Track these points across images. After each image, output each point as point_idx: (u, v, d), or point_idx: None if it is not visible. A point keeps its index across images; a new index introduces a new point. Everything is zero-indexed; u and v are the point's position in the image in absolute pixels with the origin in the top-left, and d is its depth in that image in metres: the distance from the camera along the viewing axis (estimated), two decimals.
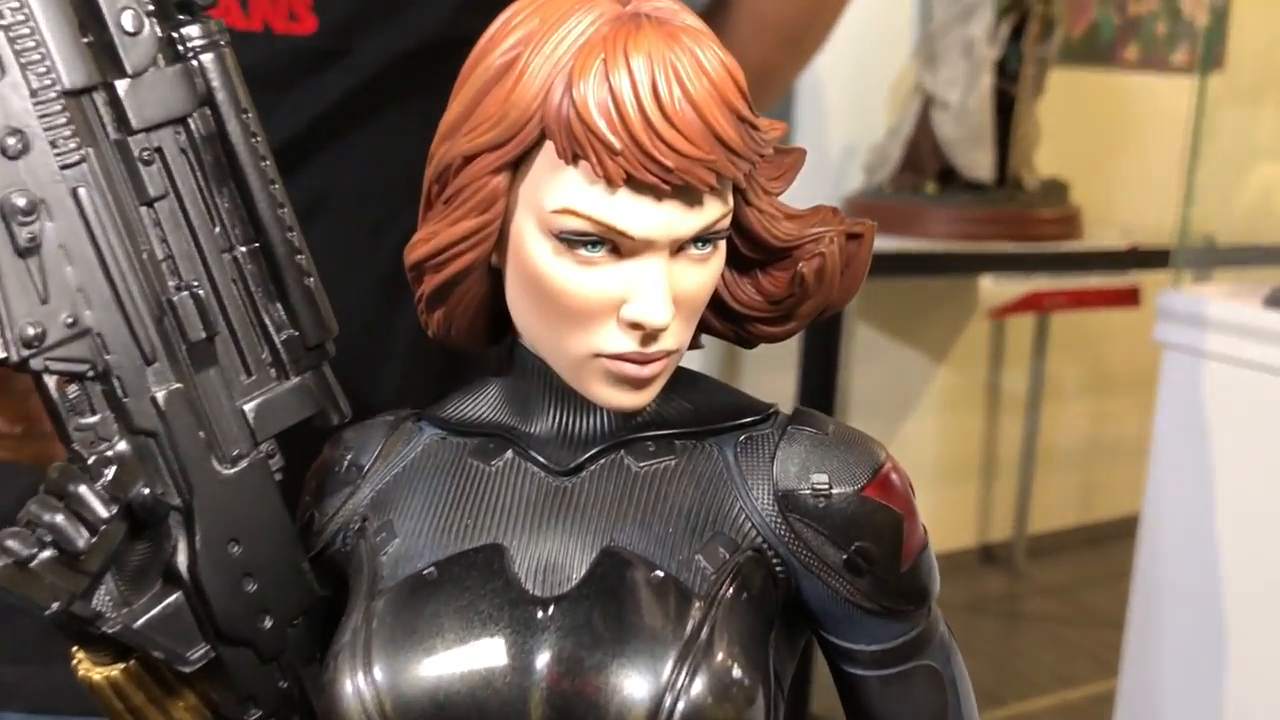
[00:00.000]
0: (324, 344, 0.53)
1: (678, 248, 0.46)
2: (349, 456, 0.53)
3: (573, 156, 0.44)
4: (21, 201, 0.44)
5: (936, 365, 2.96)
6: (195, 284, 0.49)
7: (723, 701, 0.43)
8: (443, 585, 0.46)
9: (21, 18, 0.45)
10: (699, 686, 0.43)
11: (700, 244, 0.46)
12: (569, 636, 0.44)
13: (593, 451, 0.49)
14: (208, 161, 0.50)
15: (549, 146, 0.44)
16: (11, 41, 0.45)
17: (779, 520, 0.47)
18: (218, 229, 0.50)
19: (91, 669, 0.49)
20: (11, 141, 0.44)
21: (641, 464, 0.48)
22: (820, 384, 2.17)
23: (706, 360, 2.31)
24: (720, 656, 0.43)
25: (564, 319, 0.46)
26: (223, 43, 0.50)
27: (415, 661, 0.44)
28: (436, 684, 0.44)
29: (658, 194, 0.44)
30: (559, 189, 0.44)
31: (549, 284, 0.46)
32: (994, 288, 2.67)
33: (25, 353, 0.45)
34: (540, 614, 0.45)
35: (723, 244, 0.48)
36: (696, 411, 0.50)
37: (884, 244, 2.42)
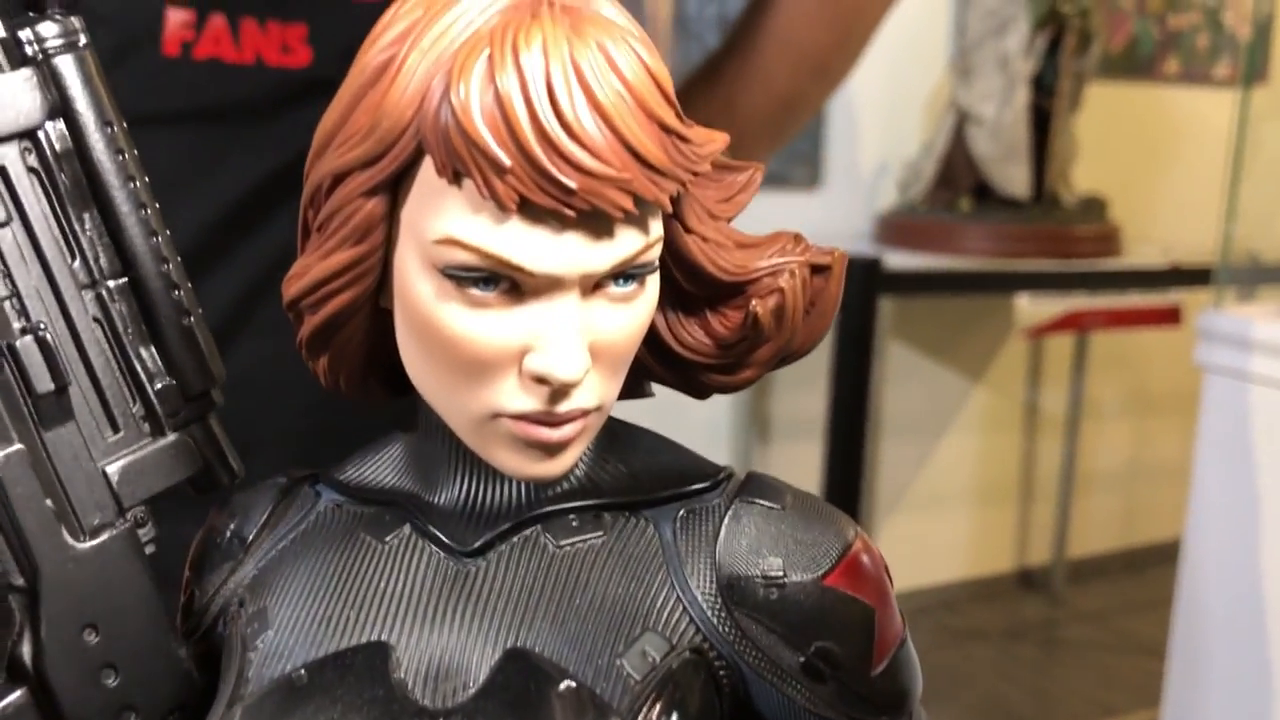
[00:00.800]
0: (208, 392, 0.46)
1: (593, 285, 0.38)
2: (232, 525, 0.46)
3: (454, 175, 0.36)
4: None
5: (972, 384, 2.91)
6: (43, 326, 0.42)
7: None
8: (312, 694, 0.38)
9: None
10: None
11: (621, 280, 0.38)
12: None
13: (503, 528, 0.41)
14: (64, 183, 0.43)
15: (429, 162, 0.37)
16: None
17: (723, 614, 0.39)
18: (76, 261, 0.43)
19: None
20: None
21: (561, 543, 0.40)
22: (852, 404, 2.12)
23: None
24: None
25: (457, 372, 0.38)
26: (81, 43, 0.43)
27: None
28: None
29: (560, 221, 0.36)
30: (441, 215, 0.37)
31: (436, 330, 0.38)
32: (1031, 306, 2.62)
33: None
34: None
35: (652, 279, 0.40)
36: (632, 477, 0.42)
37: (918, 261, 2.39)
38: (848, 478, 2.12)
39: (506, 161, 0.35)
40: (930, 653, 2.49)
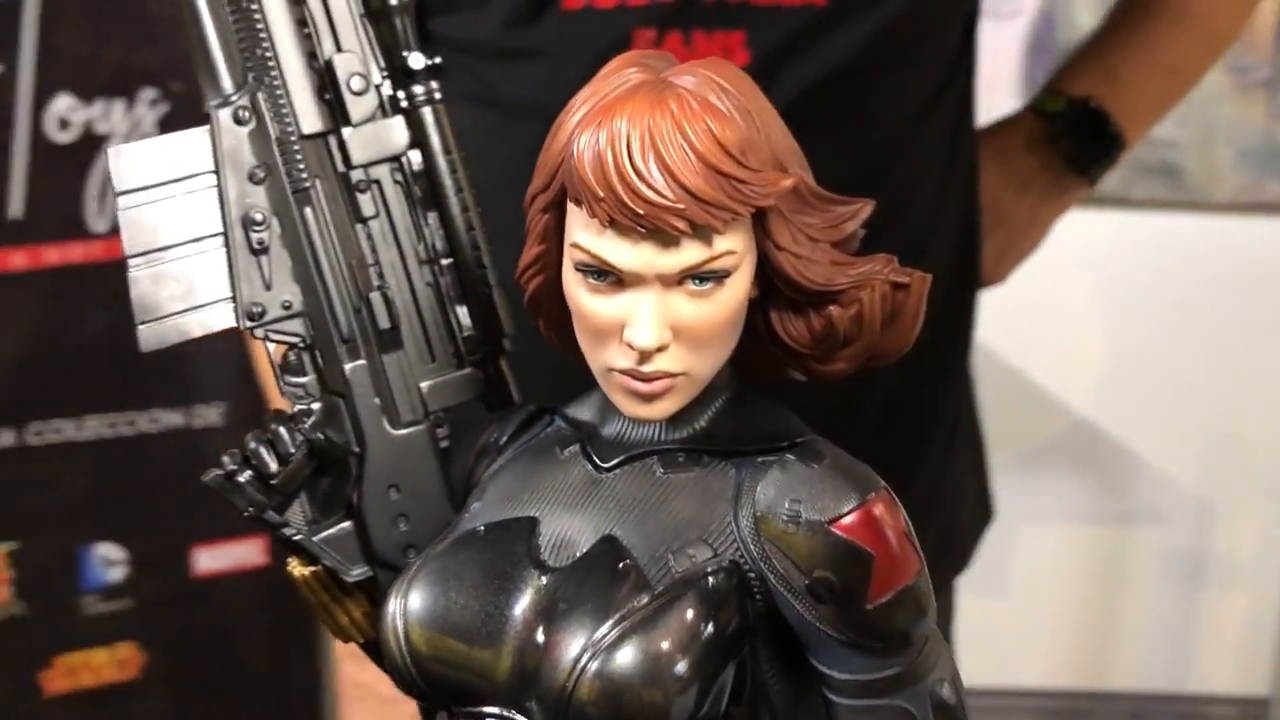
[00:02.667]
0: (499, 341, 0.65)
1: (676, 281, 0.52)
2: (496, 433, 0.63)
3: (577, 201, 0.52)
4: (258, 216, 0.60)
5: None
6: (390, 286, 0.63)
7: (650, 684, 0.49)
8: (484, 541, 0.55)
9: (278, 84, 0.61)
10: (625, 657, 0.49)
11: (697, 280, 0.52)
12: (545, 602, 0.52)
13: (630, 454, 0.55)
14: (417, 193, 0.64)
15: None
16: (268, 100, 0.61)
17: (756, 537, 0.51)
18: (420, 245, 0.64)
19: (294, 567, 0.63)
20: (259, 172, 0.61)
21: (665, 472, 0.54)
22: None
23: None
24: (661, 642, 0.49)
25: (588, 336, 0.54)
26: (437, 98, 0.64)
27: (434, 596, 0.54)
28: (444, 616, 0.53)
29: (638, 235, 0.50)
30: (573, 228, 0.53)
31: (575, 307, 0.54)
32: None
33: (249, 324, 0.60)
34: (540, 579, 0.53)
35: (732, 282, 0.52)
36: (735, 434, 0.55)
37: None
38: None
39: (600, 193, 0.50)
40: None
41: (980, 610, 1.40)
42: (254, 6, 0.60)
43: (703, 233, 0.51)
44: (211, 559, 1.63)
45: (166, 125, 1.53)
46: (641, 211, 0.50)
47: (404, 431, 0.63)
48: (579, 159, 0.51)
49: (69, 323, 1.54)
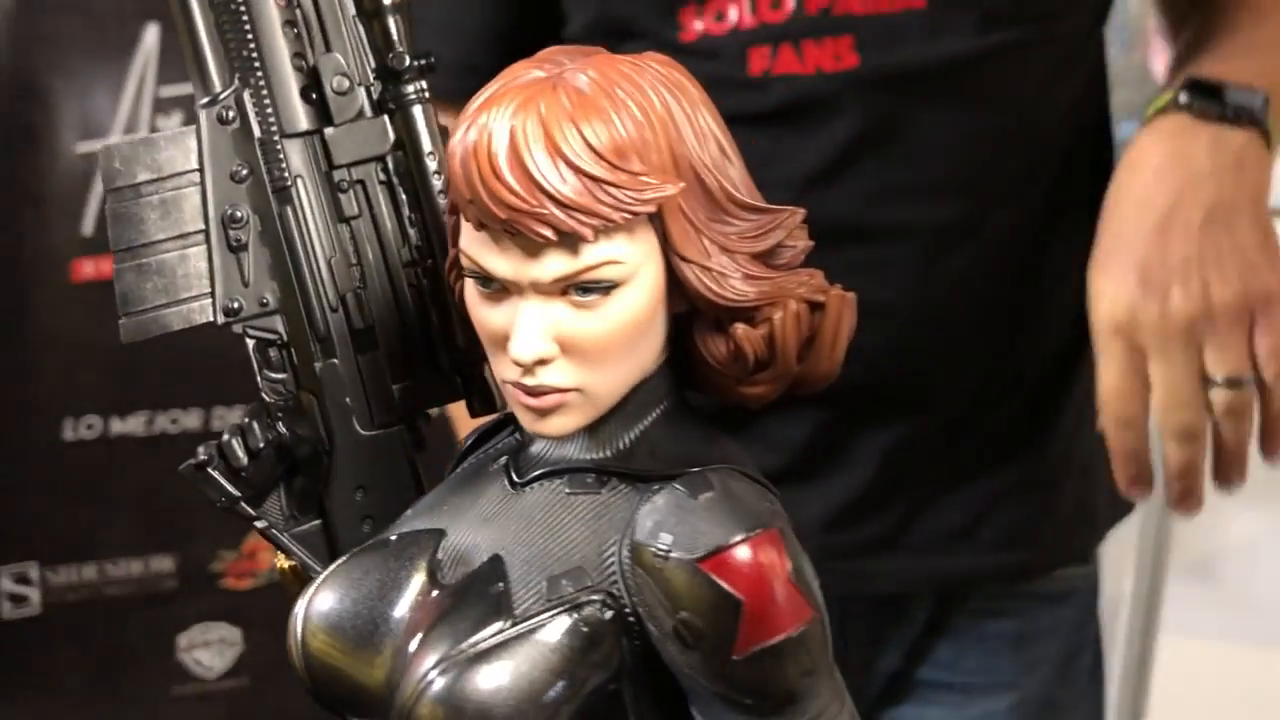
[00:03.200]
0: (472, 348, 0.63)
1: (558, 292, 0.49)
2: (468, 442, 0.62)
3: (452, 204, 0.51)
4: (238, 214, 0.61)
5: None
6: (369, 286, 0.63)
7: (485, 711, 0.47)
8: (391, 549, 0.55)
9: (263, 84, 0.62)
10: (468, 680, 0.47)
11: (580, 290, 0.49)
12: (426, 617, 0.51)
13: (539, 472, 0.53)
14: (401, 193, 0.64)
15: None
16: (253, 100, 0.62)
17: (630, 571, 0.48)
18: (406, 246, 0.64)
19: (278, 559, 0.64)
20: (241, 171, 0.62)
21: (571, 492, 0.52)
22: None
23: None
24: (508, 670, 0.47)
25: (486, 345, 0.53)
26: (426, 98, 0.64)
27: (335, 599, 0.53)
28: (338, 621, 0.52)
29: (509, 239, 0.48)
30: (462, 230, 0.52)
31: (471, 313, 0.53)
32: None
33: (225, 319, 0.62)
34: (431, 593, 0.52)
35: (622, 294, 0.50)
36: (651, 455, 0.52)
37: None
38: None
39: (468, 195, 0.49)
40: None
41: None
42: (241, 7, 0.61)
43: (569, 240, 0.48)
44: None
45: None
46: (502, 215, 0.47)
47: (375, 433, 0.63)
48: (452, 158, 0.49)
49: None
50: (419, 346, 0.64)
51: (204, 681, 1.69)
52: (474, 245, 0.50)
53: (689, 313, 0.53)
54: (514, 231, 0.48)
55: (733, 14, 0.91)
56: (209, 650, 1.69)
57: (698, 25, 0.92)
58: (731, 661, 0.46)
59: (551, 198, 0.47)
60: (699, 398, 0.56)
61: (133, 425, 1.63)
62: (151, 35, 1.58)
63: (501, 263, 0.49)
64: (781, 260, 0.53)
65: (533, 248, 0.48)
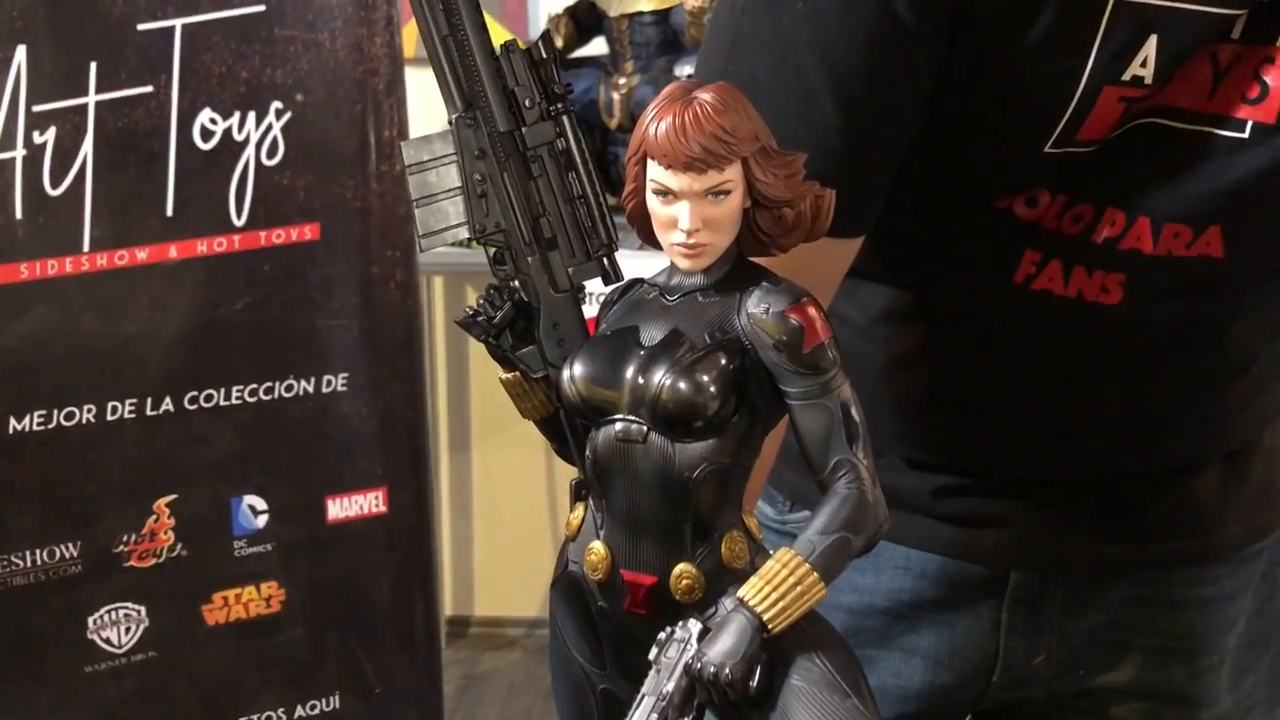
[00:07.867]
0: (611, 244, 0.97)
1: (703, 195, 0.83)
2: (613, 295, 0.95)
3: (651, 155, 0.84)
4: (477, 176, 0.92)
5: None
6: (550, 214, 0.98)
7: (697, 390, 0.82)
8: (610, 338, 0.89)
9: (485, 103, 0.96)
10: (685, 377, 0.83)
11: (714, 195, 0.84)
12: (642, 364, 0.85)
13: (684, 292, 0.88)
14: (564, 164, 0.98)
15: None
16: (482, 112, 0.96)
17: (749, 324, 0.85)
18: (565, 190, 0.98)
19: (501, 375, 0.95)
20: (479, 153, 0.93)
21: (703, 298, 0.87)
22: None
23: None
24: (703, 372, 0.83)
25: (660, 228, 0.86)
26: (572, 109, 0.98)
27: (586, 364, 0.87)
28: (591, 373, 0.86)
29: (679, 171, 0.83)
30: (651, 169, 0.84)
31: (652, 212, 0.85)
32: None
33: (477, 235, 0.95)
34: (640, 353, 0.86)
35: (731, 197, 0.84)
36: (739, 278, 0.87)
37: None
38: None
39: (666, 150, 0.84)
40: None
41: None
42: (471, 60, 0.96)
43: (715, 169, 0.86)
44: (339, 508, 1.93)
45: (289, 132, 1.80)
46: (685, 158, 0.85)
47: (560, 295, 0.98)
48: (653, 134, 0.86)
49: (217, 305, 1.80)
50: (579, 245, 0.98)
51: (115, 658, 1.82)
52: (662, 175, 0.86)
53: (751, 206, 0.91)
54: (687, 166, 0.86)
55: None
56: (117, 629, 1.82)
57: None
58: (802, 354, 0.86)
59: (707, 150, 0.86)
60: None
61: (28, 423, 1.74)
62: (21, 55, 1.70)
63: (679, 182, 0.86)
64: (801, 175, 0.92)
65: (697, 173, 0.86)
